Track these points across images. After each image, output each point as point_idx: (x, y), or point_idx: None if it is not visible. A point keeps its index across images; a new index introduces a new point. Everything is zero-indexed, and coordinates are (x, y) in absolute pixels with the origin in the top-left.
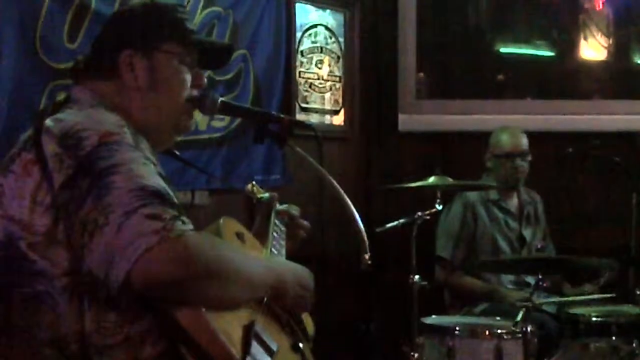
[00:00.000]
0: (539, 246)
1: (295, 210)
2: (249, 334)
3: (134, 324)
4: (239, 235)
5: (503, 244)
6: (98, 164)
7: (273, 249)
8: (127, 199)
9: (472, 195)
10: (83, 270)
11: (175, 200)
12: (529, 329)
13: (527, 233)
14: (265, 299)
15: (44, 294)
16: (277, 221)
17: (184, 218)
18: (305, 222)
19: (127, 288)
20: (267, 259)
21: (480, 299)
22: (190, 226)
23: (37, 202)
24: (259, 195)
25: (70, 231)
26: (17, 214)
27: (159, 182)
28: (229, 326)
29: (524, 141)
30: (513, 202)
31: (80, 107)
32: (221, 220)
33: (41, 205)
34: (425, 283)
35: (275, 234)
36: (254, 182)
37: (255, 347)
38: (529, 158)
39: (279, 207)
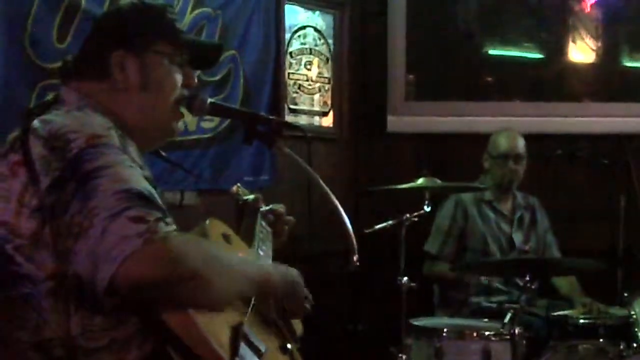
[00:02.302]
0: (525, 248)
1: (280, 208)
2: (237, 335)
3: (120, 327)
4: (225, 237)
5: (492, 245)
6: (84, 167)
7: (260, 251)
8: (111, 202)
9: (466, 195)
10: (69, 274)
11: (160, 202)
12: (516, 330)
13: (517, 237)
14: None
15: (30, 297)
16: (262, 222)
17: (168, 220)
18: (291, 217)
19: (113, 291)
20: (254, 257)
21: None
22: (174, 227)
23: (23, 204)
24: (244, 197)
25: (56, 234)
26: (3, 216)
27: (143, 185)
28: (217, 327)
29: (520, 144)
30: (507, 205)
31: (68, 108)
32: (207, 222)
33: (27, 208)
34: (413, 284)
35: (261, 234)
36: (238, 184)
37: (244, 349)
38: (524, 161)
39: (263, 207)
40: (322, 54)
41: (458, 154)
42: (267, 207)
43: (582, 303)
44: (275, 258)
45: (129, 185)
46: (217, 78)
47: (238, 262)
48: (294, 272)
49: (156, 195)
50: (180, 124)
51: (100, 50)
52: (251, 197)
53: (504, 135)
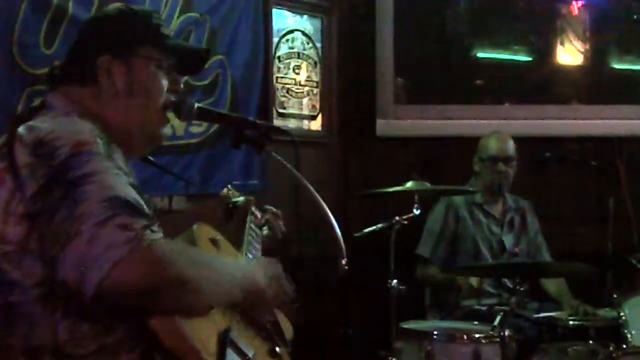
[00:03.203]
0: (515, 250)
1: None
2: (223, 341)
3: (108, 334)
4: (213, 241)
5: (483, 248)
6: (70, 174)
7: (248, 254)
8: (98, 210)
9: (457, 198)
10: (56, 281)
11: (146, 210)
12: (506, 333)
13: (507, 239)
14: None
15: (18, 305)
16: (252, 225)
17: (155, 227)
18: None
19: (100, 298)
20: (238, 263)
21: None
22: (161, 234)
23: (9, 211)
24: (234, 200)
25: (42, 241)
26: None
27: (129, 193)
28: (203, 333)
29: (510, 147)
30: (497, 208)
31: (54, 115)
32: (195, 227)
33: (14, 215)
34: (403, 288)
35: (250, 237)
36: (229, 187)
37: (231, 354)
38: (514, 163)
39: (255, 210)
40: (310, 57)
41: (448, 157)
42: (268, 207)
43: (570, 305)
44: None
45: (115, 193)
46: (205, 82)
47: (226, 268)
48: (272, 264)
49: (143, 203)
50: (168, 129)
51: (87, 56)
52: (241, 199)
53: (494, 138)
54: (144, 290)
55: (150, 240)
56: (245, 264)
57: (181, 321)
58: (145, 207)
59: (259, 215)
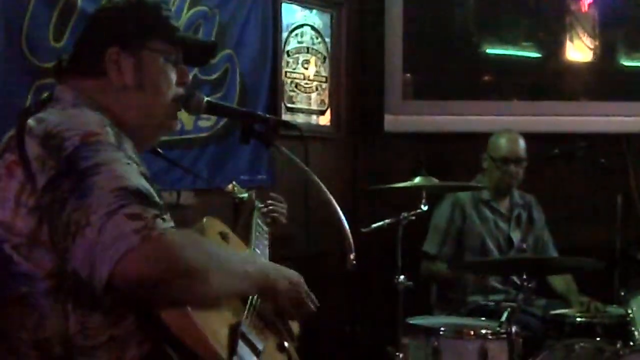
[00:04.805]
0: (523, 246)
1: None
2: (235, 333)
3: (118, 325)
4: (223, 235)
5: (490, 244)
6: (80, 164)
7: (256, 248)
8: (108, 199)
9: (463, 194)
10: (67, 272)
11: (157, 199)
12: (513, 329)
13: (515, 235)
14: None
15: (28, 296)
16: (259, 220)
17: (166, 217)
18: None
19: (111, 288)
20: (253, 256)
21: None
22: (172, 224)
23: (20, 203)
24: (240, 195)
25: (53, 232)
26: (0, 216)
27: (140, 182)
28: (215, 326)
29: (522, 147)
30: (504, 204)
31: (63, 107)
32: (205, 220)
33: (25, 207)
34: (410, 283)
35: (257, 232)
36: (234, 182)
37: (242, 347)
38: (525, 163)
39: (259, 204)
40: (319, 52)
41: (455, 153)
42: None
43: (580, 302)
44: (272, 255)
45: (126, 183)
46: (213, 77)
47: (237, 259)
48: (294, 274)
49: (153, 192)
50: (177, 123)
51: (95, 48)
52: (246, 194)
53: (505, 137)
54: (155, 280)
55: (162, 229)
56: (259, 258)
57: (193, 313)
58: (156, 196)
59: (263, 209)
